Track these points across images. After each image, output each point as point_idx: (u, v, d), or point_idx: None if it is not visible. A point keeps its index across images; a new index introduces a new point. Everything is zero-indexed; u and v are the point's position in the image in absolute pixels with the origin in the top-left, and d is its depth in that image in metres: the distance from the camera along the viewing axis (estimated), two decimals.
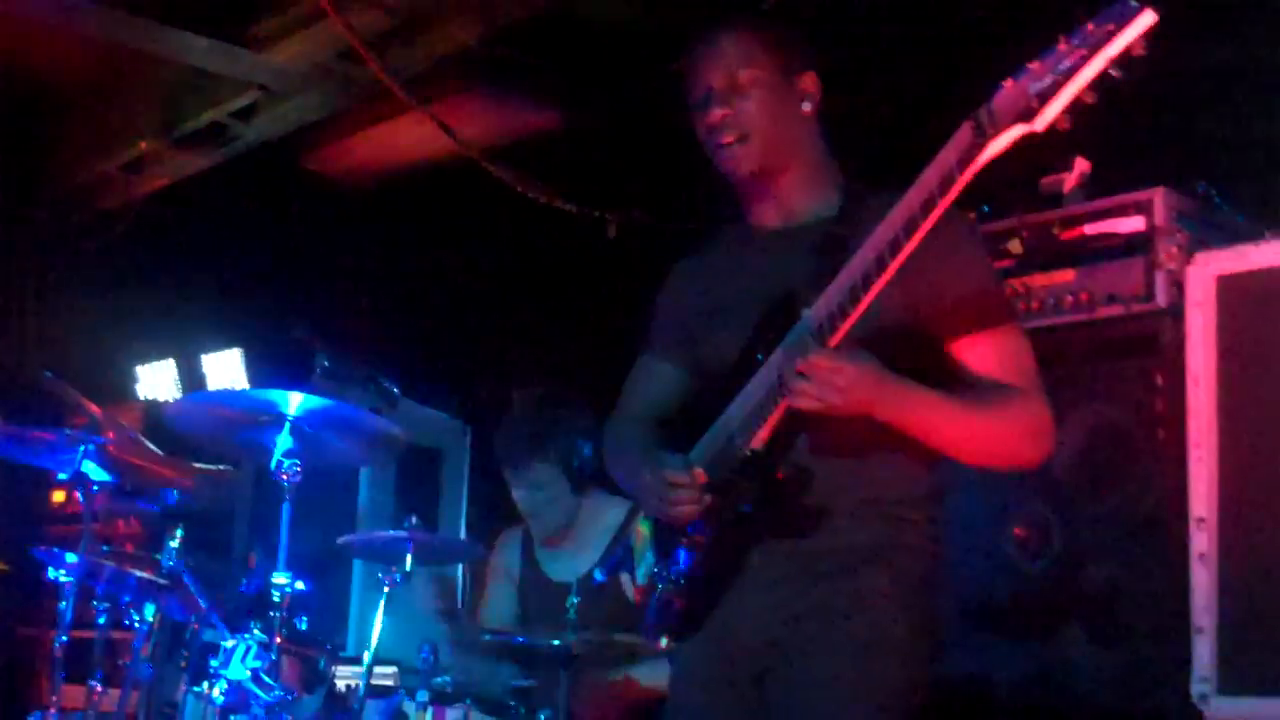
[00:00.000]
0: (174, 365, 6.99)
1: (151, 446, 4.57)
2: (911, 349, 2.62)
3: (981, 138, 2.33)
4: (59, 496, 6.06)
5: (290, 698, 3.74)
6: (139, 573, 4.27)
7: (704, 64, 2.79)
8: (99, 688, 4.34)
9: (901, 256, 2.44)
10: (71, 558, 4.31)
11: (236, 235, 6.94)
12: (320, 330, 5.81)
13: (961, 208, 2.51)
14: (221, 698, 3.73)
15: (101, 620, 4.39)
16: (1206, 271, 3.74)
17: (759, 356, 2.67)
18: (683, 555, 2.83)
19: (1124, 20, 2.21)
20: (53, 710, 4.26)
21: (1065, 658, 3.83)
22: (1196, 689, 3.55)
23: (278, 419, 3.87)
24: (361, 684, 3.91)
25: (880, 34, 4.95)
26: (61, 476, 4.72)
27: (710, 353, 2.88)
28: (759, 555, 2.72)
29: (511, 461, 4.54)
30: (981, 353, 2.66)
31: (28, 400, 4.49)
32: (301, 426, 3.87)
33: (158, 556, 4.27)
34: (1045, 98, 2.25)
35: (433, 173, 6.37)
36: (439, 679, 3.96)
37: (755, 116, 2.76)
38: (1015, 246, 4.16)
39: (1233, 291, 3.71)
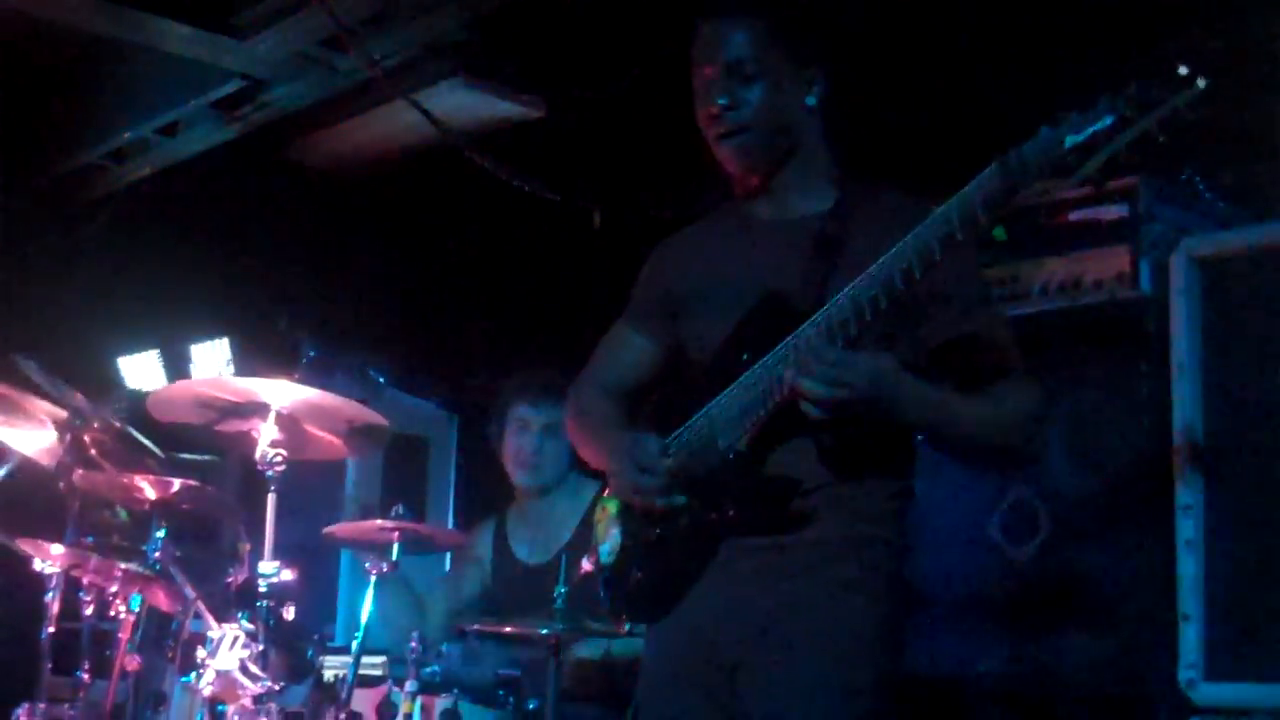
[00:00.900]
0: (159, 355, 6.97)
1: (138, 436, 4.55)
2: (906, 348, 2.63)
3: (1010, 188, 2.30)
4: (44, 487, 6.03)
5: (278, 688, 3.73)
6: (125, 564, 4.27)
7: (708, 49, 2.74)
8: (86, 679, 4.33)
9: (912, 286, 2.43)
10: (57, 549, 4.30)
11: (222, 225, 6.92)
12: (307, 320, 5.82)
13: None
14: (209, 688, 3.72)
15: (88, 611, 4.39)
16: (1190, 258, 3.75)
17: (744, 356, 2.66)
18: (649, 544, 2.84)
19: (1175, 88, 2.18)
20: (40, 702, 4.25)
21: (1052, 645, 3.84)
22: (1183, 675, 3.56)
23: (262, 409, 3.86)
24: (350, 673, 3.90)
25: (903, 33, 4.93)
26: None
27: (692, 337, 2.87)
28: (729, 549, 2.72)
29: (527, 395, 4.55)
30: (978, 360, 2.67)
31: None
32: (286, 416, 3.86)
33: (144, 547, 4.26)
34: (1082, 155, 2.22)
35: (418, 162, 6.36)
36: (428, 669, 3.96)
37: (757, 108, 2.72)
38: (1000, 233, 4.16)
39: (1216, 277, 3.72)
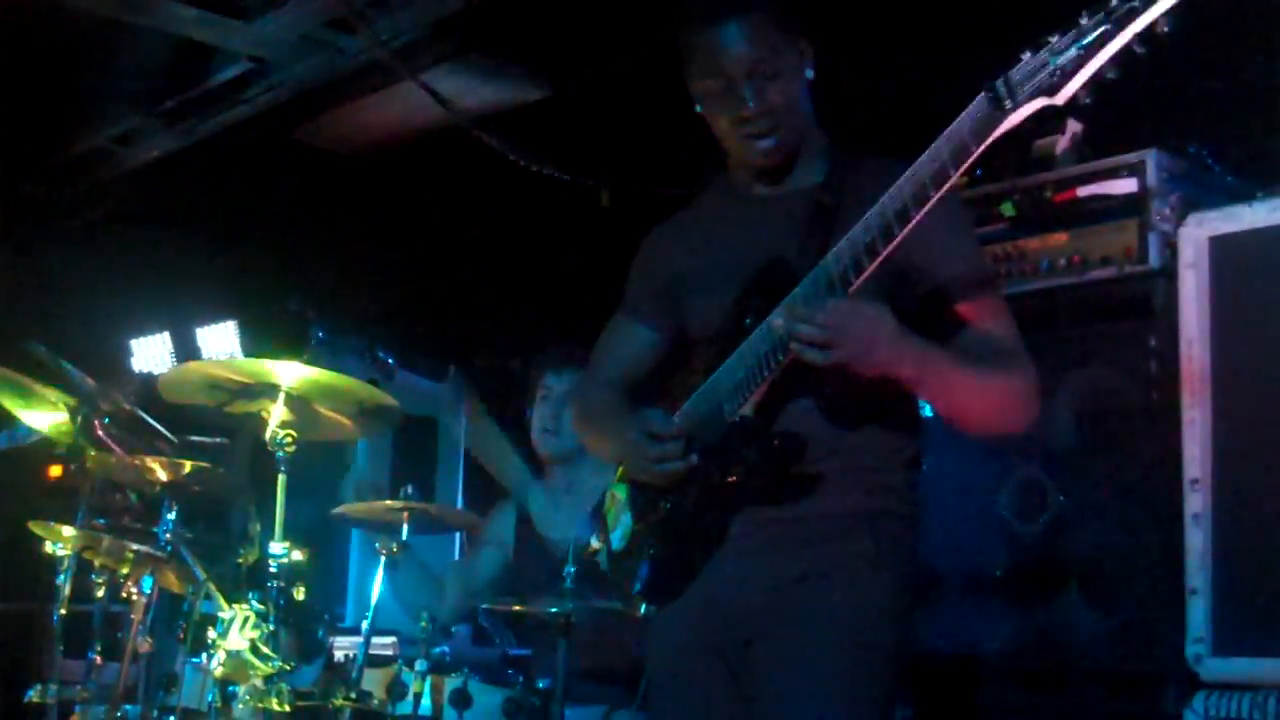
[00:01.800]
0: (168, 338, 6.99)
1: (148, 419, 4.57)
2: (902, 312, 2.62)
3: (999, 110, 2.30)
4: (56, 470, 6.07)
5: (289, 668, 3.75)
6: (137, 546, 4.28)
7: (720, 55, 2.69)
8: (98, 660, 4.35)
9: (910, 227, 2.43)
10: (69, 531, 4.32)
11: (230, 207, 6.93)
12: (316, 302, 5.83)
13: None
14: (220, 668, 3.74)
15: (100, 593, 4.41)
16: (1199, 233, 3.74)
17: (747, 321, 2.66)
18: (662, 518, 2.84)
19: None
20: (52, 683, 4.28)
21: (1061, 620, 3.84)
22: (1191, 650, 3.56)
23: (271, 389, 3.86)
24: (360, 653, 3.91)
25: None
26: (58, 451, 4.75)
27: (694, 317, 2.87)
28: (742, 522, 2.73)
29: (552, 364, 4.57)
30: (973, 318, 2.67)
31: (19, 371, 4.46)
32: (296, 397, 3.87)
33: (155, 529, 4.27)
34: (1068, 72, 2.23)
35: (426, 142, 6.36)
36: (437, 649, 3.97)
37: (783, 105, 2.71)
38: (1008, 209, 4.15)
39: (1225, 252, 3.71)
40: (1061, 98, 2.25)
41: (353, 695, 3.79)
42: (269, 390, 3.88)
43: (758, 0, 2.72)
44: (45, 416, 4.54)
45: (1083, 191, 4.04)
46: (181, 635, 4.08)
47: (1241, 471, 3.59)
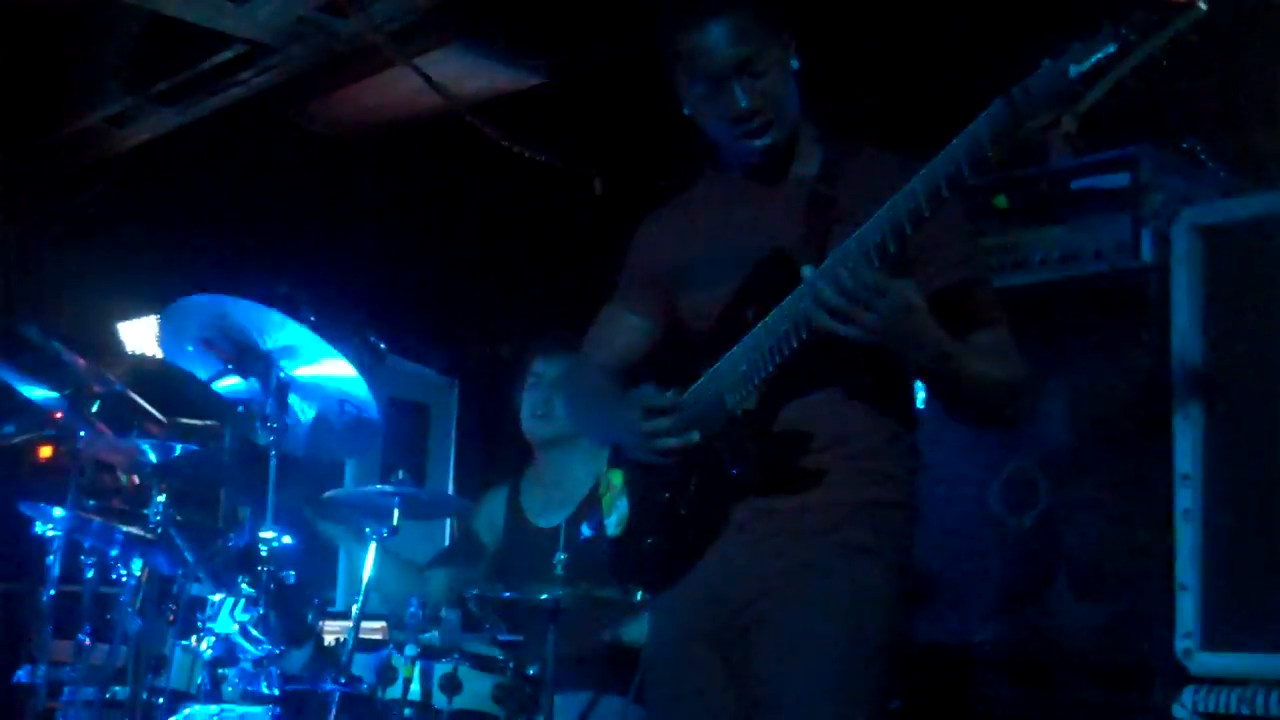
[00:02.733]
0: (158, 320, 6.96)
1: (139, 400, 4.56)
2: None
3: (1018, 119, 2.28)
4: (45, 451, 6.06)
5: (278, 651, 3.75)
6: (126, 528, 4.28)
7: (707, 54, 2.69)
8: (87, 642, 4.35)
9: (921, 226, 2.42)
10: (59, 513, 4.32)
11: (222, 190, 6.91)
12: (307, 286, 5.81)
13: None
14: (209, 651, 3.75)
15: (89, 575, 4.41)
16: (1191, 227, 3.74)
17: (749, 314, 2.66)
18: (659, 508, 2.84)
19: (1177, 9, 2.16)
20: (42, 664, 4.27)
21: (1051, 614, 3.85)
22: (1180, 644, 3.57)
23: (262, 361, 3.85)
24: (349, 638, 3.91)
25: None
26: (48, 431, 4.74)
27: (691, 308, 2.87)
28: (742, 512, 2.73)
29: (542, 349, 4.58)
30: (971, 316, 2.67)
31: (13, 353, 4.46)
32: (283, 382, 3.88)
33: (145, 511, 4.27)
34: (1089, 81, 2.21)
35: (419, 127, 6.35)
36: (427, 634, 3.97)
37: (775, 99, 2.71)
38: (1001, 202, 4.15)
39: (1218, 246, 3.71)
40: (1082, 107, 2.24)
41: (342, 679, 3.79)
42: (259, 364, 3.88)
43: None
44: (38, 398, 4.53)
45: (1076, 185, 4.03)
46: (171, 618, 4.08)
47: (1233, 467, 3.59)
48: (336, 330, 5.06)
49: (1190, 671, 3.56)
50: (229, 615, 3.76)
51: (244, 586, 3.81)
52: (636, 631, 4.09)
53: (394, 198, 6.87)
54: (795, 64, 2.77)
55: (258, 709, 3.69)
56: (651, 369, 3.01)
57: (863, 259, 2.45)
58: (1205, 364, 3.66)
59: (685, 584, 2.80)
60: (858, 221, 2.50)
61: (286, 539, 3.83)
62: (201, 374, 4.04)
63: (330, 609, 4.46)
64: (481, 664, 3.99)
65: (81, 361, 4.45)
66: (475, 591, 4.41)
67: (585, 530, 3.99)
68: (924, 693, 3.93)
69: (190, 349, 4.01)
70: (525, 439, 4.72)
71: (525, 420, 4.67)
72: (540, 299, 6.43)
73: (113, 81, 6.45)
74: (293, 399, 3.99)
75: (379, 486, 4.15)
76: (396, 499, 4.05)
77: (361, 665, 3.92)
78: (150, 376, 4.35)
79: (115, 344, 7.10)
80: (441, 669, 3.86)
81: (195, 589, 4.06)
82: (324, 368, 3.96)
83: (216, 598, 3.81)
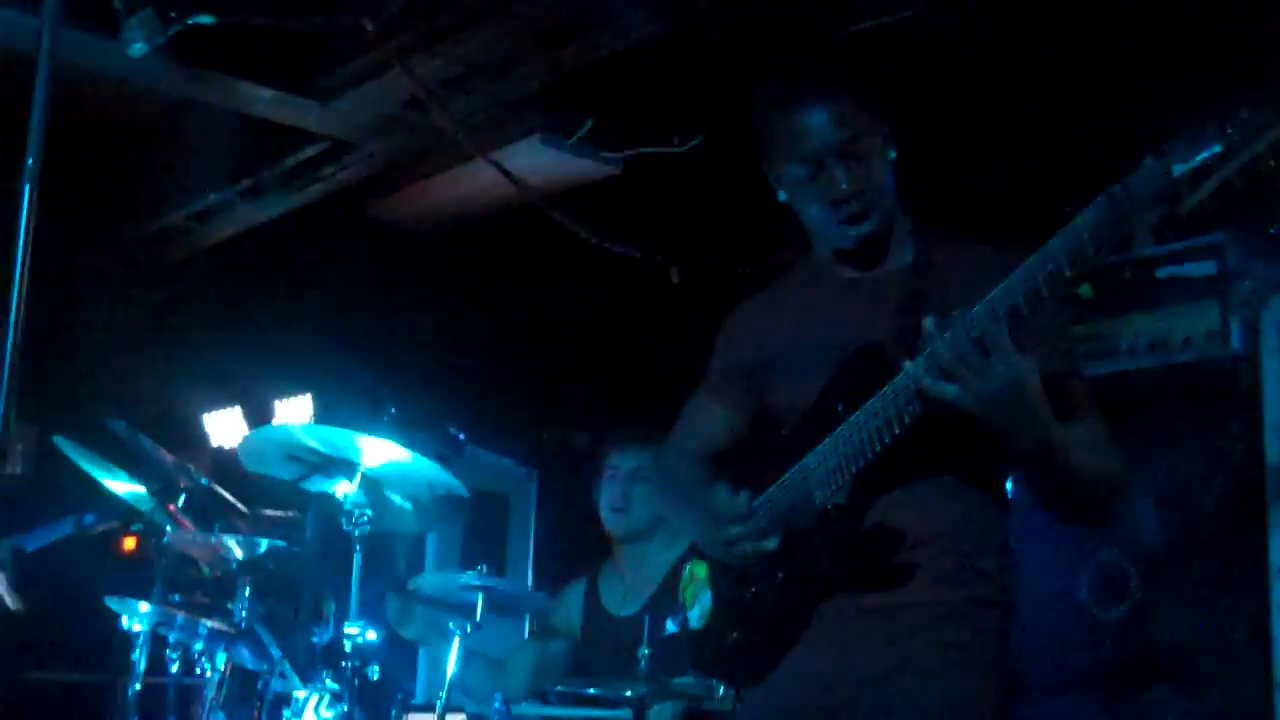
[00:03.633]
0: (240, 412, 7.05)
1: (224, 493, 4.60)
2: None
3: (1119, 218, 2.23)
4: (129, 544, 6.12)
5: None
6: (210, 622, 4.30)
7: (809, 137, 2.66)
8: None
9: (1019, 324, 2.38)
10: (144, 607, 4.34)
11: (304, 282, 7.00)
12: (388, 377, 5.86)
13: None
14: None
15: (174, 669, 4.43)
16: None
17: (838, 407, 2.64)
18: (745, 604, 2.81)
19: None
20: None
21: (1144, 710, 3.77)
22: None
23: (348, 467, 3.88)
24: None
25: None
26: (134, 525, 4.79)
27: (780, 400, 2.84)
28: (832, 610, 2.68)
29: (620, 442, 4.58)
30: (1069, 408, 2.62)
31: (101, 447, 4.52)
32: (370, 479, 3.89)
33: (229, 605, 4.29)
34: (1194, 183, 2.16)
35: (497, 219, 6.41)
36: None
37: (874, 185, 2.69)
38: (1086, 291, 4.12)
39: None
40: (1184, 209, 2.17)
41: None
42: (346, 468, 3.90)
43: (842, 82, 2.71)
44: (124, 488, 4.58)
45: (1161, 273, 4.00)
46: (256, 713, 4.08)
47: None
48: (417, 422, 5.10)
49: None
50: (314, 711, 3.76)
51: (329, 682, 3.81)
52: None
53: (470, 289, 6.92)
54: (893, 155, 2.75)
55: None
56: (737, 460, 2.99)
57: (986, 324, 2.39)
58: None
59: (773, 682, 2.76)
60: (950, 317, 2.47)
61: (371, 634, 3.83)
62: (287, 476, 4.05)
63: (411, 701, 4.45)
64: None
65: (168, 456, 4.50)
66: (558, 687, 4.38)
67: (670, 626, 3.96)
68: None
69: (274, 464, 4.04)
70: (602, 530, 4.71)
71: (603, 513, 4.66)
72: (616, 389, 6.44)
73: (199, 179, 6.57)
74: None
75: (461, 578, 4.14)
76: (480, 593, 4.03)
77: None
78: (232, 466, 4.37)
79: (199, 436, 7.18)
80: None
81: (280, 684, 4.06)
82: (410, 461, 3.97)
83: (301, 694, 3.80)
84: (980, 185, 4.82)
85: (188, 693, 4.49)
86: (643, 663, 3.83)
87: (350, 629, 3.79)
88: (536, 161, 5.94)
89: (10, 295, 2.24)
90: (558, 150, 5.90)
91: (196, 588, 5.09)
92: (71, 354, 6.57)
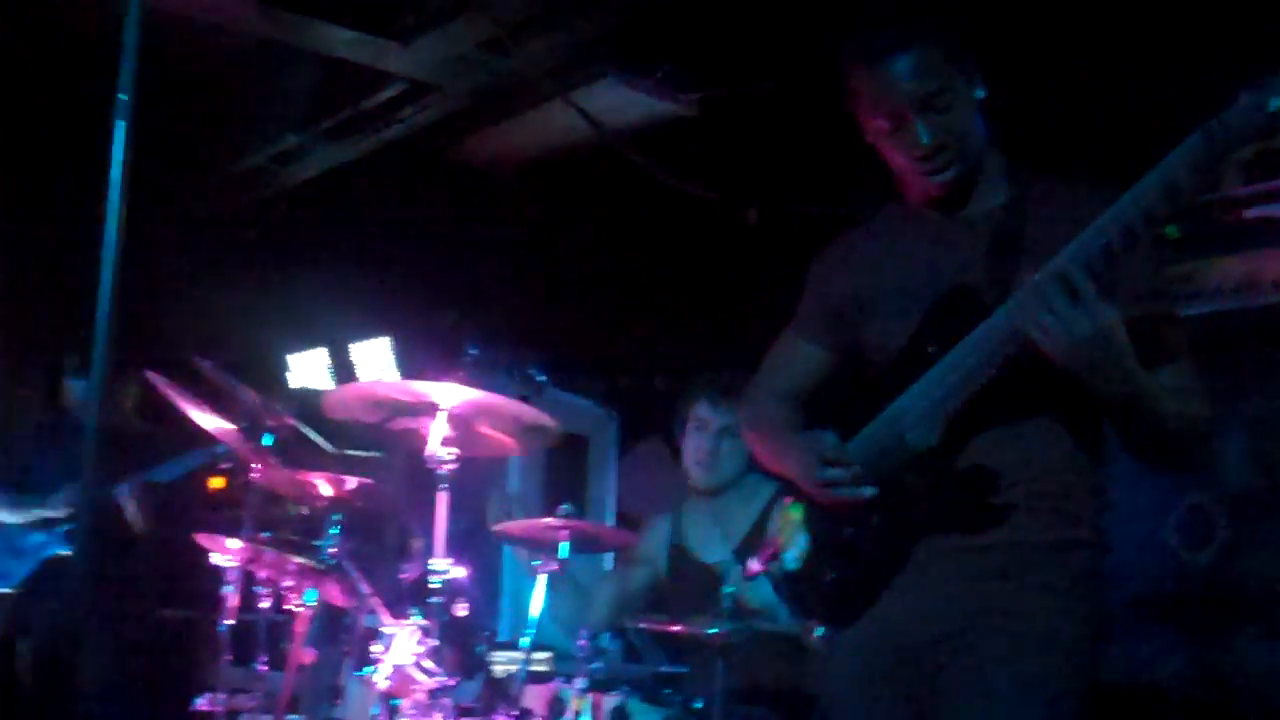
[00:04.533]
0: (326, 354, 7.11)
1: (310, 433, 4.66)
2: None
3: (1215, 154, 2.24)
4: (217, 483, 6.22)
5: (452, 683, 3.79)
6: (299, 559, 4.36)
7: (891, 89, 2.66)
8: (263, 670, 4.45)
9: (1113, 263, 2.39)
10: (234, 543, 4.42)
11: (384, 225, 7.05)
12: (468, 319, 5.91)
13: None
14: (385, 682, 3.78)
15: (264, 605, 4.50)
16: None
17: (930, 349, 2.64)
18: (840, 544, 2.83)
19: None
20: (220, 692, 4.38)
21: (1230, 652, 3.76)
22: None
23: (432, 408, 3.92)
24: (521, 670, 3.95)
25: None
26: (222, 465, 4.87)
27: (872, 340, 2.84)
28: (926, 551, 2.70)
29: (710, 398, 4.58)
30: (1160, 351, 2.61)
31: (188, 387, 4.58)
32: (457, 416, 3.92)
33: (317, 543, 4.35)
34: None
35: (576, 161, 6.41)
36: (596, 665, 3.99)
37: (958, 134, 2.68)
38: (1173, 232, 4.08)
39: None
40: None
41: (515, 712, 3.82)
42: (428, 408, 3.94)
43: (923, 33, 2.68)
44: (215, 426, 4.66)
45: (1249, 213, 3.95)
46: (346, 648, 4.14)
47: None
48: (497, 363, 5.13)
49: None
50: (403, 647, 3.81)
51: (417, 618, 3.85)
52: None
53: (549, 231, 6.94)
54: (980, 94, 2.73)
55: None
56: (828, 400, 2.99)
57: (1084, 274, 2.40)
58: None
59: (866, 623, 2.78)
60: (1045, 257, 2.46)
61: (458, 571, 3.87)
62: (372, 419, 4.10)
63: (496, 640, 4.50)
64: (649, 696, 4.00)
65: (254, 395, 4.56)
66: (641, 624, 4.41)
67: (754, 566, 3.98)
68: None
69: (359, 411, 4.09)
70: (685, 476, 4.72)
71: (689, 465, 4.66)
72: (694, 330, 6.44)
73: (280, 120, 6.62)
74: None
75: (547, 519, 4.17)
76: (564, 531, 4.07)
77: (531, 697, 3.95)
78: (317, 408, 4.42)
79: (283, 377, 7.26)
80: (611, 702, 3.87)
81: (369, 620, 4.12)
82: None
83: (390, 629, 3.86)
84: (1075, 122, 4.76)
85: (278, 629, 4.56)
86: (726, 602, 3.85)
87: (438, 565, 3.84)
88: (614, 102, 5.94)
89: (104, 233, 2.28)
90: (635, 91, 5.90)
91: (285, 526, 5.18)
92: (159, 295, 6.65)
